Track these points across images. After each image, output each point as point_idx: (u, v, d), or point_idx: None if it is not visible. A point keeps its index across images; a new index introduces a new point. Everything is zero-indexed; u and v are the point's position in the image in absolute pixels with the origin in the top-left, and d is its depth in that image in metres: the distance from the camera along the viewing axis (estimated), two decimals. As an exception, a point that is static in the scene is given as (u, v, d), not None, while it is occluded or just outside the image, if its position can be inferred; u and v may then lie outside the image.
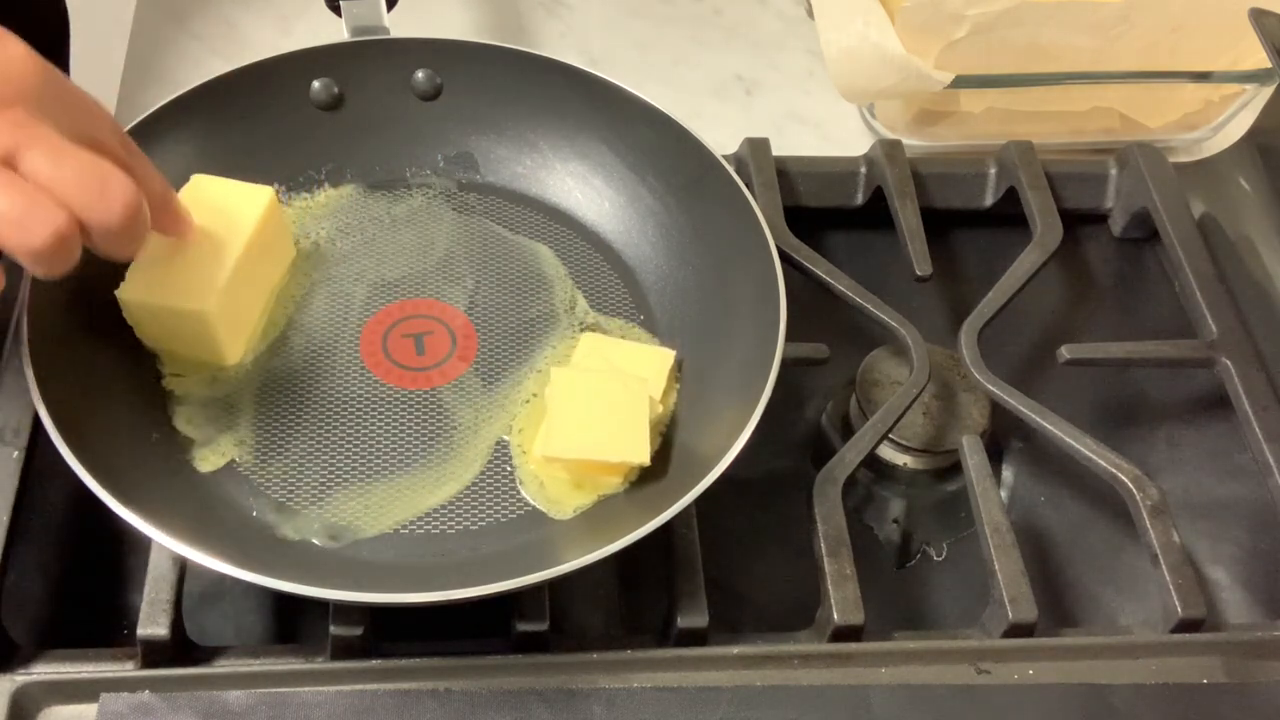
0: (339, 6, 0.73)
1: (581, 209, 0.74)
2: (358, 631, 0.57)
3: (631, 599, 0.67)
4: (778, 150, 0.78)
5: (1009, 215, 0.80)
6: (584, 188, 0.74)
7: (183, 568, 0.58)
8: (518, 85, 0.73)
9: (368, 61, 0.72)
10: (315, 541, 0.60)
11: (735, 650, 0.59)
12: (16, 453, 0.62)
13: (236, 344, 0.64)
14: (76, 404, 0.58)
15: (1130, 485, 0.66)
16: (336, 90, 0.72)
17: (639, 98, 0.72)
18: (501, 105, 0.74)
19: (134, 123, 0.66)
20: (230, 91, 0.69)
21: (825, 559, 0.62)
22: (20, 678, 0.55)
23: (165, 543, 0.53)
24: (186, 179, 0.65)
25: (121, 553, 0.64)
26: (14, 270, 0.70)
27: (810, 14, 0.93)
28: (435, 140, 0.74)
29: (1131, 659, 0.61)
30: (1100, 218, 0.83)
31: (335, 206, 0.72)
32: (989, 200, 0.82)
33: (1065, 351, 0.73)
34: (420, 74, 0.73)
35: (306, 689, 0.55)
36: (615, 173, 0.73)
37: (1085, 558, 0.74)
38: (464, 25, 0.88)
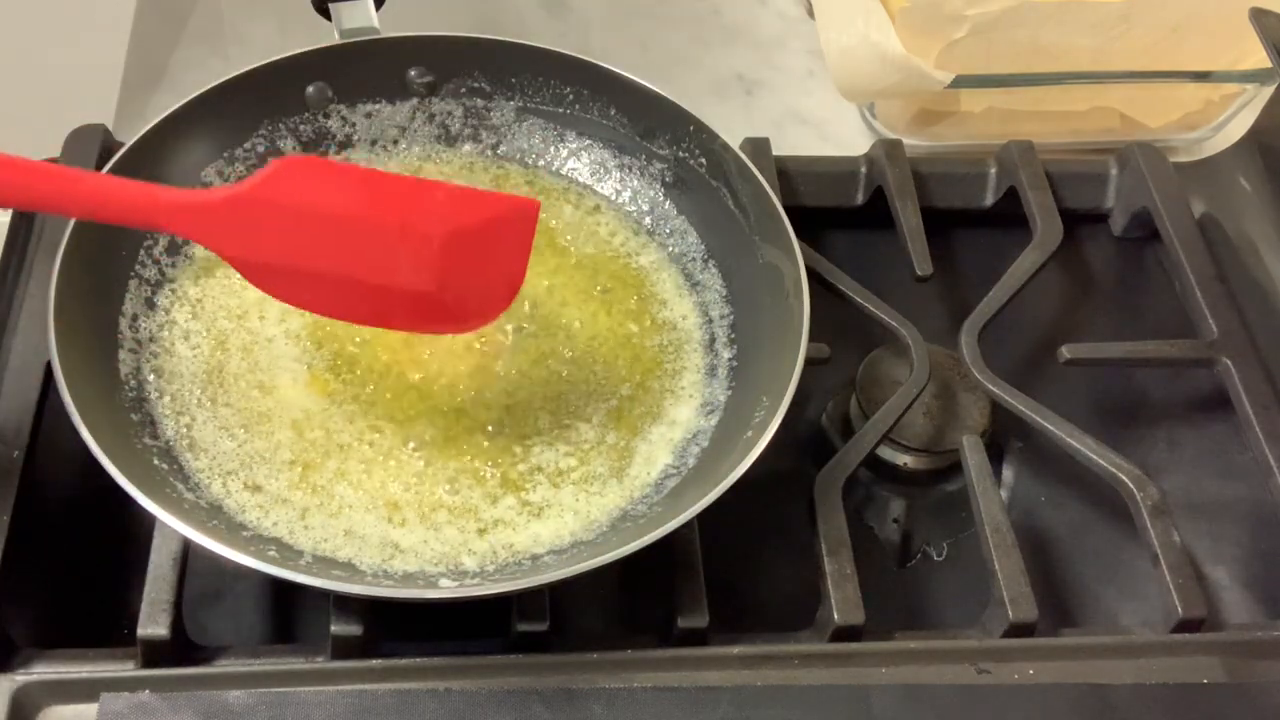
0: (327, 10, 0.73)
1: (587, 198, 0.74)
2: (358, 631, 0.57)
3: (631, 599, 0.66)
4: (778, 150, 0.78)
5: (1009, 215, 0.80)
6: (586, 176, 0.74)
7: (183, 568, 0.58)
8: (511, 76, 0.73)
9: (359, 63, 0.72)
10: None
11: (735, 650, 0.59)
12: (16, 452, 0.62)
13: None
14: (95, 397, 0.58)
15: (1130, 485, 0.66)
16: (331, 93, 0.72)
17: (637, 81, 0.71)
18: (497, 97, 0.74)
19: (143, 130, 0.66)
20: (229, 99, 0.69)
21: (825, 559, 0.62)
22: (20, 678, 0.55)
23: (187, 533, 0.54)
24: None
25: (121, 553, 0.64)
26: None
27: (810, 14, 0.93)
28: (435, 138, 0.74)
29: (1131, 659, 0.61)
30: (1100, 218, 0.83)
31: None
32: (989, 200, 0.82)
33: (1065, 351, 0.73)
34: (413, 71, 0.73)
35: (306, 689, 0.55)
36: (615, 160, 0.74)
37: (1085, 558, 0.74)
38: (465, 25, 0.88)
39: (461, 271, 0.57)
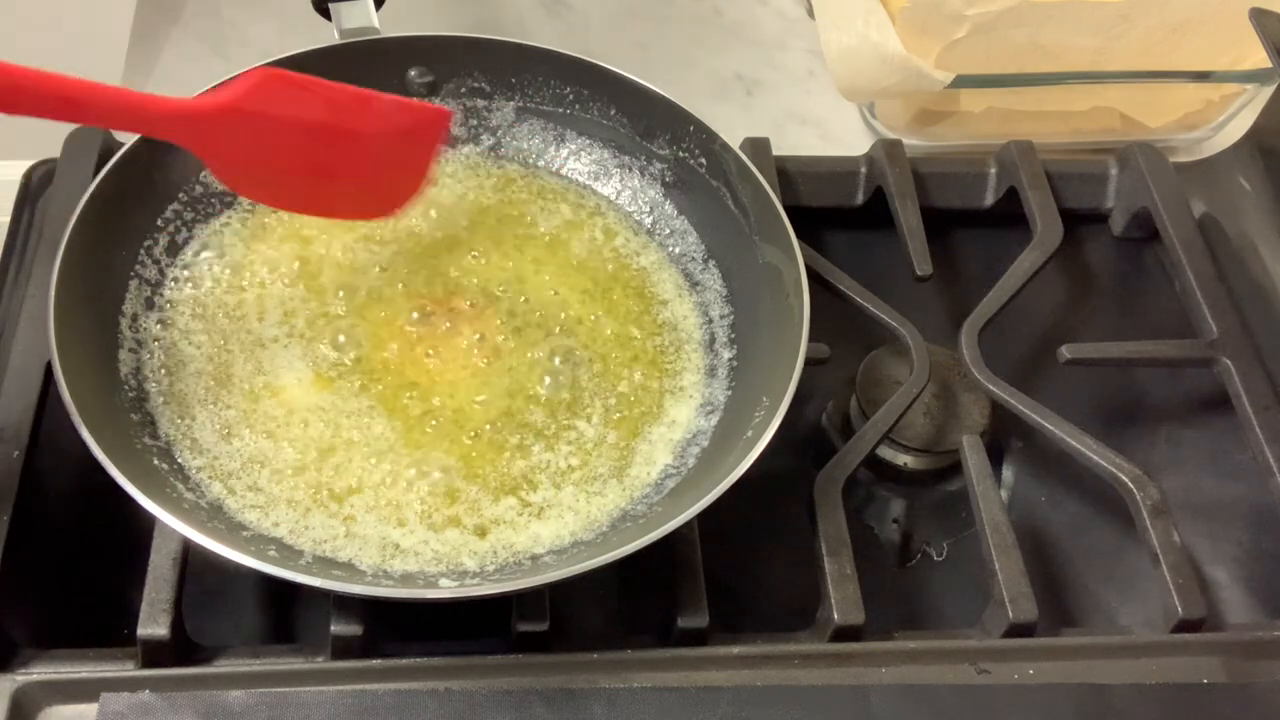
0: (327, 10, 0.73)
1: (587, 199, 0.74)
2: (358, 631, 0.57)
3: (631, 599, 0.67)
4: (778, 150, 0.78)
5: (1009, 215, 0.80)
6: (585, 177, 0.74)
7: (183, 568, 0.59)
8: (511, 76, 0.73)
9: (359, 63, 0.72)
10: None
11: (735, 650, 0.59)
12: (16, 452, 0.62)
13: None
14: (95, 397, 0.58)
15: (1130, 485, 0.66)
16: None
17: (637, 81, 0.71)
18: (497, 97, 0.74)
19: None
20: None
21: (825, 559, 0.62)
22: (20, 678, 0.55)
23: (187, 533, 0.54)
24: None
25: (121, 553, 0.64)
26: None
27: (810, 14, 0.93)
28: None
29: (1131, 659, 0.61)
30: (1100, 218, 0.83)
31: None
32: (989, 200, 0.82)
33: (1065, 351, 0.73)
34: (413, 71, 0.73)
35: (306, 689, 0.55)
36: (615, 161, 0.74)
37: (1085, 558, 0.74)
38: (465, 25, 0.88)
39: (391, 166, 0.67)
